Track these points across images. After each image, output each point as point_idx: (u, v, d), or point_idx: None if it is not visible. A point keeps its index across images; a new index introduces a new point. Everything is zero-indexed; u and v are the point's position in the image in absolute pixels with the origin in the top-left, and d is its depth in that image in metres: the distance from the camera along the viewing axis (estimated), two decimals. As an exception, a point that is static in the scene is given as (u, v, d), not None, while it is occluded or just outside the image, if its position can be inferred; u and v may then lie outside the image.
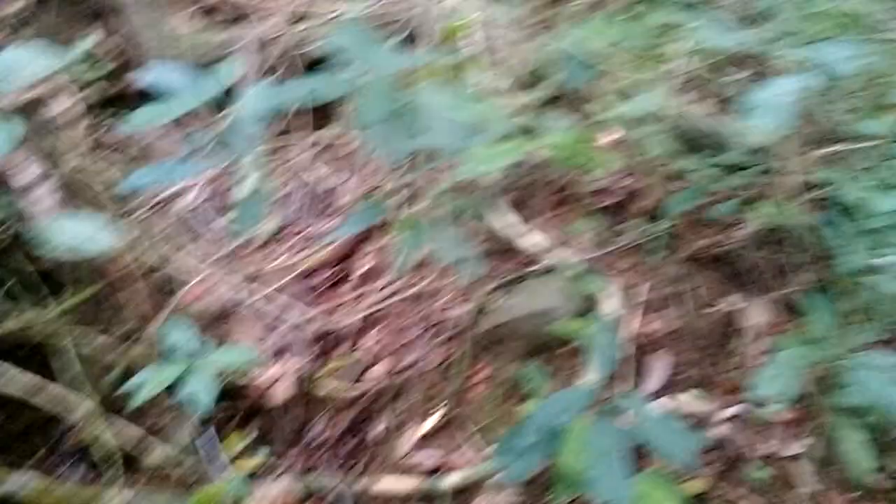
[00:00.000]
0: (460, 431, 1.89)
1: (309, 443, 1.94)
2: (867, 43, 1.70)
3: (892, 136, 1.81)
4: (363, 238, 2.33)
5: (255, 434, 1.92)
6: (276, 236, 2.35)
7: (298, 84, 1.14)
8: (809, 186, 1.90)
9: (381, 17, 2.55)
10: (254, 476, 1.81)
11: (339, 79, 1.16)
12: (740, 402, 1.87)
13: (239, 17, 2.75)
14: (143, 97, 2.61)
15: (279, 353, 2.01)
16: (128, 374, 1.71)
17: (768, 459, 1.77)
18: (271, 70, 2.36)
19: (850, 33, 1.73)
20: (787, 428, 1.80)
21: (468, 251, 1.14)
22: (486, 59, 1.43)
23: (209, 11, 2.77)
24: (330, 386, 1.97)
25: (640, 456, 1.57)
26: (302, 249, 2.25)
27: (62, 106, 1.86)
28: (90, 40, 2.11)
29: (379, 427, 1.94)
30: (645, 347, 1.89)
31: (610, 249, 2.05)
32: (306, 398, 1.96)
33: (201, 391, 1.59)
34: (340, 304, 2.15)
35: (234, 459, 1.84)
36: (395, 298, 2.11)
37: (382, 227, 2.26)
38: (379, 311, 2.10)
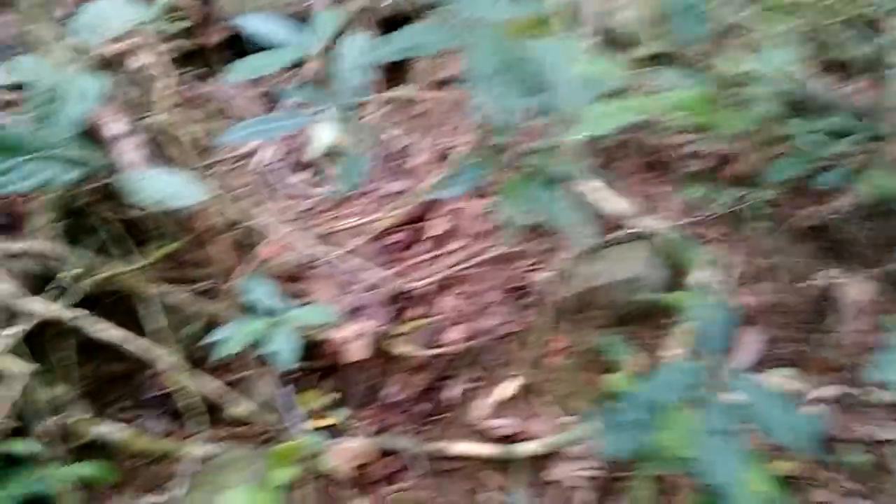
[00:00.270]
0: (538, 399, 1.85)
1: (384, 402, 1.93)
2: None
3: None
4: (436, 199, 2.28)
5: (331, 392, 1.93)
6: (350, 195, 2.32)
7: (403, 35, 1.08)
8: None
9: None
10: (330, 433, 1.82)
11: (447, 28, 1.10)
12: (837, 381, 1.78)
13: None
14: (223, 52, 2.58)
15: (355, 313, 2.00)
16: (210, 326, 1.73)
17: (866, 443, 1.68)
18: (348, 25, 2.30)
19: None
20: (889, 411, 1.71)
21: (576, 215, 1.08)
22: (594, 7, 1.34)
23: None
24: (406, 347, 1.95)
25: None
26: (377, 209, 2.22)
27: (147, 59, 1.85)
28: (170, -8, 2.08)
29: (455, 391, 1.92)
30: (737, 321, 1.80)
31: (701, 217, 1.95)
32: (382, 358, 1.95)
33: (284, 348, 1.60)
34: (416, 266, 2.12)
35: (310, 416, 1.85)
36: (474, 261, 2.06)
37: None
38: (456, 273, 2.06)
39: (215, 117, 2.24)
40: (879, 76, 1.76)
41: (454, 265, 2.07)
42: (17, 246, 1.60)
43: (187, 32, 2.47)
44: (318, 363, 1.93)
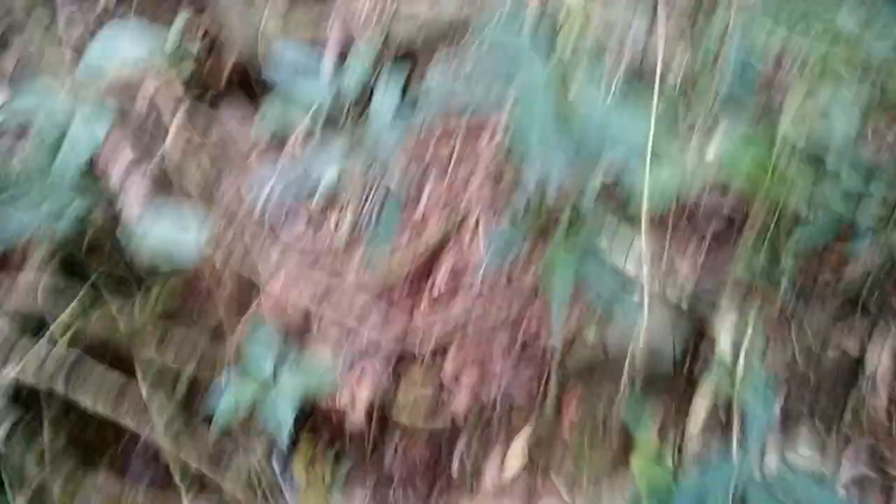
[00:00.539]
0: (546, 474, 1.75)
1: (384, 466, 1.83)
2: None
3: None
4: (440, 249, 2.20)
5: (329, 451, 1.82)
6: (356, 240, 2.24)
7: (442, 86, 1.02)
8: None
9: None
10: (327, 494, 1.71)
11: (483, 81, 1.04)
12: (862, 459, 1.69)
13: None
14: (233, 83, 2.50)
15: (355, 369, 1.90)
16: (208, 376, 1.64)
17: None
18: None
19: None
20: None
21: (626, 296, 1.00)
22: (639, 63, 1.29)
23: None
24: (407, 410, 1.85)
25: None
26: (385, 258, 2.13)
27: (157, 91, 1.78)
28: (181, 19, 2.02)
29: (457, 460, 1.81)
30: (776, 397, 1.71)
31: (720, 279, 1.87)
32: (382, 420, 1.85)
33: (280, 417, 1.56)
34: (421, 319, 2.03)
35: (306, 477, 1.74)
36: (481, 317, 1.97)
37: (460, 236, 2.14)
38: (462, 330, 1.97)
39: (223, 152, 2.16)
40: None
41: (460, 320, 1.98)
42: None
43: (197, 63, 2.40)
44: (318, 421, 1.82)
